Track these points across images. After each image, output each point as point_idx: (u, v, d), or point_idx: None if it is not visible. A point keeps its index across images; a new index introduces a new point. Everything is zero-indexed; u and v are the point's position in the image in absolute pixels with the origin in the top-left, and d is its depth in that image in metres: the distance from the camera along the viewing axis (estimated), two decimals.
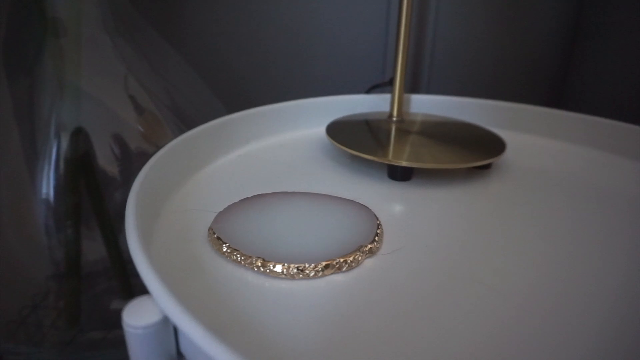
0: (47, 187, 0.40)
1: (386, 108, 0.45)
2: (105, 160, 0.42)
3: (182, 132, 0.47)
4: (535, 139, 0.47)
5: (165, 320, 0.18)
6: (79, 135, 0.40)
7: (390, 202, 0.33)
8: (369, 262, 0.26)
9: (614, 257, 0.27)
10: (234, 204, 0.30)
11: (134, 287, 0.46)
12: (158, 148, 0.45)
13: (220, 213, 0.29)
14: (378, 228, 0.27)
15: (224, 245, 0.25)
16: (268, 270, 0.24)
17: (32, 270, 0.44)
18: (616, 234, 0.30)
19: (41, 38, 0.41)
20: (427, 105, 0.50)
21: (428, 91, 0.60)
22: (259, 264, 0.24)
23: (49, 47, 0.41)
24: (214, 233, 0.26)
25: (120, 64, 0.44)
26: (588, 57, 0.64)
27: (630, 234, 0.30)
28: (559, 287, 0.25)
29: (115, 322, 0.44)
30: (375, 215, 0.29)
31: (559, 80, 0.66)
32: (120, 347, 0.44)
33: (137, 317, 0.18)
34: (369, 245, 0.26)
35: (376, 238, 0.26)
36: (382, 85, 0.50)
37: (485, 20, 0.60)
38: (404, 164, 0.35)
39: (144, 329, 0.18)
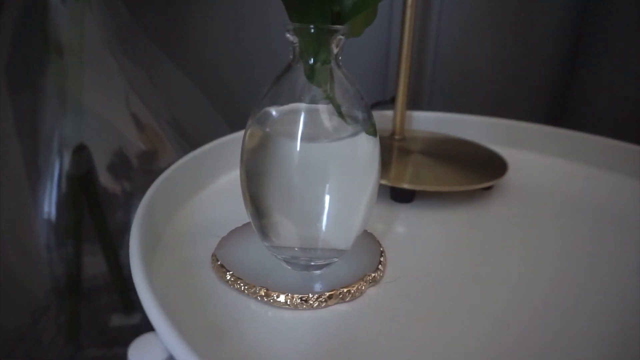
0: (49, 204, 0.40)
1: (387, 125, 0.45)
2: (107, 177, 0.42)
3: (183, 148, 0.47)
4: (536, 157, 0.47)
5: (171, 359, 0.18)
6: (82, 153, 0.40)
7: (393, 225, 0.33)
8: (372, 291, 0.26)
9: (617, 275, 0.27)
10: (238, 228, 0.30)
11: (134, 302, 0.46)
12: (159, 165, 0.45)
13: (223, 238, 0.29)
14: (381, 256, 0.27)
15: (228, 273, 0.25)
16: (272, 300, 0.24)
17: (32, 286, 0.44)
18: (619, 253, 0.30)
19: (44, 56, 0.41)
20: (428, 122, 0.50)
21: (429, 107, 0.60)
22: (263, 294, 0.24)
23: (51, 64, 0.41)
24: (218, 260, 0.26)
25: (123, 80, 0.44)
26: (589, 75, 0.64)
27: (632, 252, 0.30)
28: (563, 312, 0.25)
29: (115, 339, 0.44)
30: (378, 242, 0.29)
31: (560, 97, 0.66)
32: None
33: (142, 356, 0.18)
34: (373, 274, 0.26)
35: (380, 267, 0.26)
36: (383, 103, 0.50)
37: (486, 37, 0.60)
38: (406, 186, 0.35)
39: None
